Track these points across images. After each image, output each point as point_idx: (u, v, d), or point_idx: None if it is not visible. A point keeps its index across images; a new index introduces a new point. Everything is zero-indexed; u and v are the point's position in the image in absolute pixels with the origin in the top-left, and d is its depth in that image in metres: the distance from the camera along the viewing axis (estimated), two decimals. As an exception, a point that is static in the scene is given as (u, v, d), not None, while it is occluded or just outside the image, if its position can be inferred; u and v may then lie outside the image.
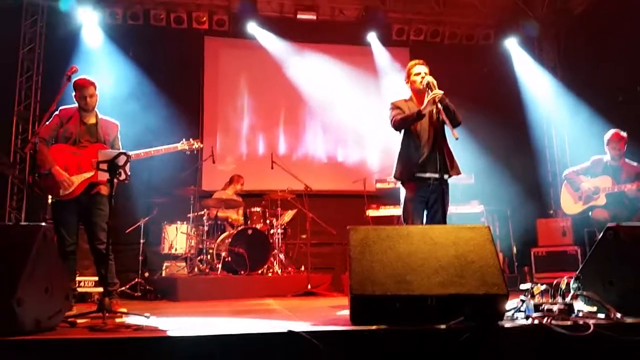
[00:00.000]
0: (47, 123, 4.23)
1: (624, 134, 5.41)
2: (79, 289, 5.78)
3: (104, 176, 3.80)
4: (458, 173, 4.13)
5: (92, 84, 4.30)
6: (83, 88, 4.25)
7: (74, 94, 4.29)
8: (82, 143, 4.25)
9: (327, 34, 8.98)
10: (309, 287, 6.28)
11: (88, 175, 4.17)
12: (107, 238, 3.96)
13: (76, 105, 4.31)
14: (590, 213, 5.45)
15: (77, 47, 7.93)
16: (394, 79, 8.46)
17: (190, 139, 4.92)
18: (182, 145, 4.83)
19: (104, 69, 7.44)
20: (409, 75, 4.23)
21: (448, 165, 4.04)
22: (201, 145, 5.07)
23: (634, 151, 5.61)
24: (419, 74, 4.13)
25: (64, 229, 4.16)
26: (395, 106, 4.18)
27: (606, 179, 5.39)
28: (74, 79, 4.23)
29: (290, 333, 2.40)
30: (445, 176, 4.02)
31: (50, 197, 4.28)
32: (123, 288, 6.26)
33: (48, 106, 4.09)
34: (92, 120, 4.35)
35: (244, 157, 8.69)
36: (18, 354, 2.24)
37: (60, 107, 4.32)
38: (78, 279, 5.73)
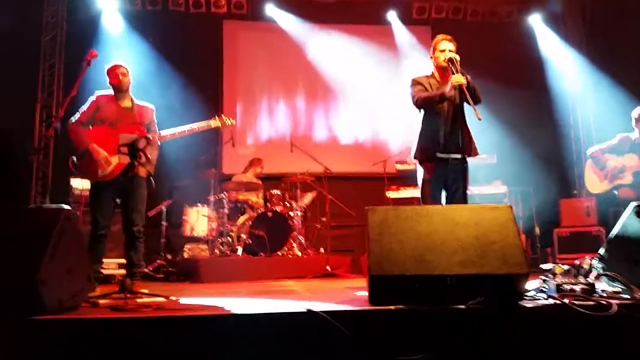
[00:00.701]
0: (84, 108, 4.33)
1: None
2: (103, 271, 5.89)
3: (125, 159, 3.85)
4: (477, 154, 4.10)
5: (122, 65, 4.44)
6: (114, 69, 4.38)
7: (108, 80, 4.39)
8: (118, 126, 4.30)
9: (346, 14, 8.84)
10: (328, 268, 6.30)
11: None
12: (142, 220, 4.19)
13: (112, 91, 4.41)
14: (616, 192, 5.33)
15: (97, 34, 8.00)
16: (416, 59, 8.36)
17: (222, 115, 4.91)
18: (214, 122, 4.79)
19: (124, 55, 7.43)
20: (434, 50, 4.18)
21: (468, 145, 4.00)
22: (233, 122, 5.04)
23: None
24: (444, 50, 4.07)
25: (99, 212, 4.25)
26: (416, 82, 4.14)
27: (633, 157, 5.25)
28: (105, 67, 4.39)
29: (309, 312, 2.41)
30: (466, 156, 3.98)
31: (89, 179, 4.37)
32: (146, 270, 6.35)
33: (70, 91, 4.14)
34: (128, 104, 4.44)
35: (263, 140, 8.69)
36: (42, 333, 2.29)
37: (97, 93, 4.41)
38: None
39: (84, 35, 7.85)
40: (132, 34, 8.11)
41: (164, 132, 4.44)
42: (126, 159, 3.99)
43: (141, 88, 5.20)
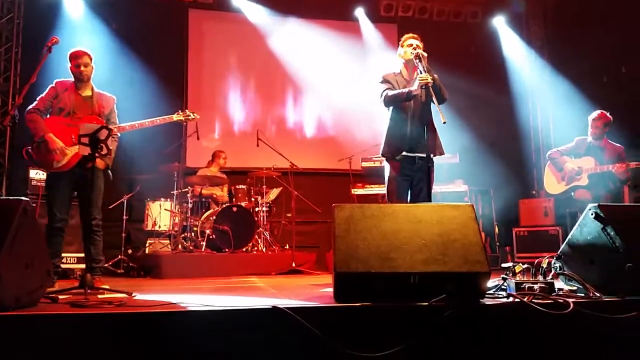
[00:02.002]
0: (43, 95, 4.22)
1: (604, 113, 5.44)
2: (62, 265, 5.73)
3: (85, 150, 3.74)
4: (442, 153, 4.19)
5: (87, 54, 4.31)
6: (78, 57, 4.25)
7: (69, 65, 4.28)
8: (77, 115, 4.20)
9: (314, 8, 8.86)
10: (294, 265, 6.30)
11: None
12: (96, 212, 4.07)
13: (72, 78, 4.30)
14: (572, 193, 5.51)
15: (58, 18, 7.73)
16: (382, 55, 8.42)
17: (186, 110, 4.86)
18: (177, 116, 4.75)
19: (86, 41, 7.15)
20: (401, 46, 4.28)
21: (434, 144, 4.08)
22: (198, 117, 4.99)
23: (620, 133, 5.67)
24: (411, 45, 4.17)
25: (55, 203, 4.14)
26: (384, 80, 4.21)
27: (589, 159, 5.43)
28: (69, 51, 4.26)
29: (275, 309, 2.41)
30: (431, 155, 4.04)
31: (44, 170, 4.26)
32: (106, 265, 6.22)
33: (29, 78, 4.02)
34: (88, 93, 4.33)
35: (229, 134, 8.61)
36: (-2, 330, 2.21)
37: (56, 80, 4.31)
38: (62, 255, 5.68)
39: (43, 18, 7.58)
40: (94, 19, 7.87)
41: (123, 124, 4.35)
42: (86, 150, 3.88)
43: (103, 76, 5.06)
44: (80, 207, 4.29)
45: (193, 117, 4.83)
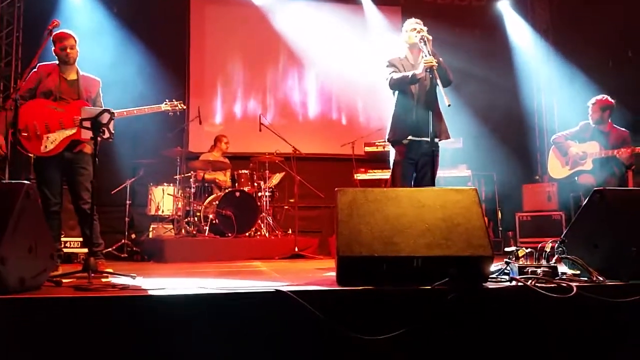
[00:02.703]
0: (24, 82, 4.16)
1: (602, 98, 5.39)
2: (65, 250, 5.75)
3: (87, 134, 3.73)
4: (447, 137, 4.19)
5: (72, 36, 4.24)
6: (63, 39, 4.18)
7: (53, 48, 4.21)
8: (63, 99, 4.16)
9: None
10: (296, 249, 6.32)
11: (70, 132, 4.10)
12: (91, 198, 3.96)
13: (56, 61, 4.24)
14: (576, 178, 5.48)
15: (59, 1, 7.66)
16: (386, 39, 8.34)
17: (174, 100, 4.85)
18: (165, 106, 4.75)
19: (86, 25, 7.20)
20: (406, 30, 4.26)
21: (439, 129, 4.07)
22: (184, 107, 4.99)
23: (625, 117, 5.64)
24: (415, 29, 4.14)
25: (46, 188, 4.11)
26: (390, 64, 4.21)
27: (594, 144, 5.39)
28: (53, 33, 4.16)
29: (278, 292, 2.41)
30: (436, 139, 4.03)
31: (32, 155, 4.23)
32: (109, 249, 6.26)
33: (30, 62, 3.99)
34: (73, 77, 4.27)
35: (231, 119, 8.58)
36: (2, 312, 2.22)
37: (39, 64, 4.22)
38: (64, 239, 5.70)
39: (44, 1, 7.51)
40: (95, 2, 7.79)
41: (113, 111, 4.33)
42: (88, 134, 3.87)
43: (104, 60, 5.03)
44: (71, 193, 4.25)
45: (179, 107, 4.84)
